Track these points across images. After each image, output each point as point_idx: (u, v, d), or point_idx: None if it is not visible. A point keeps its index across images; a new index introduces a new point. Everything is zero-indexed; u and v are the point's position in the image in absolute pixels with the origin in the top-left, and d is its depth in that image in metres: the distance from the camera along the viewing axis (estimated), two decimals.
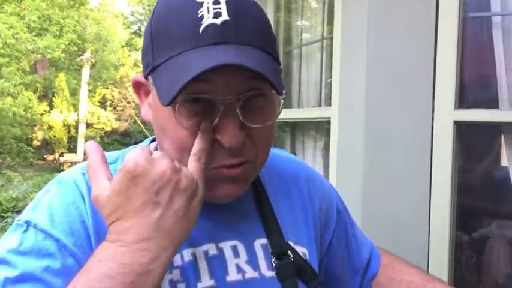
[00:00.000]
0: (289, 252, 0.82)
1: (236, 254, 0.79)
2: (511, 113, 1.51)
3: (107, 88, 21.43)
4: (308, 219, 0.92)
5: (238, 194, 0.76)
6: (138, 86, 0.78)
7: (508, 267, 1.75)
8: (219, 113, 0.67)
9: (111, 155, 0.81)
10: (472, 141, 1.68)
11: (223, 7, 0.67)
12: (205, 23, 0.66)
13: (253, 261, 0.80)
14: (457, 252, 1.60)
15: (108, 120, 20.38)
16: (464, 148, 1.59)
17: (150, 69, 0.71)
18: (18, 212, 9.52)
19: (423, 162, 1.54)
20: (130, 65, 21.77)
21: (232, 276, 0.77)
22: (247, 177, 0.75)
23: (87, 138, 19.83)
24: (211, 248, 0.77)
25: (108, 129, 20.46)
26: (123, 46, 21.92)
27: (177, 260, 0.74)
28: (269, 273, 0.80)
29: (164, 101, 0.65)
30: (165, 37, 0.69)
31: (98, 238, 0.69)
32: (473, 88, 1.60)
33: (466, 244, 1.74)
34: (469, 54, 1.54)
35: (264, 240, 0.82)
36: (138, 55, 22.04)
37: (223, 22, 0.66)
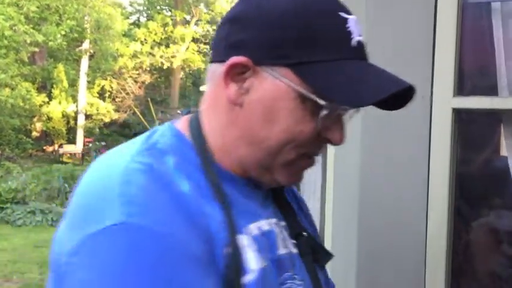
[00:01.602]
0: (304, 233, 0.89)
1: (279, 231, 0.85)
2: (510, 100, 1.49)
3: (106, 79, 21.38)
4: (301, 209, 1.00)
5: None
6: (235, 67, 0.76)
7: (507, 257, 1.74)
8: (333, 116, 0.76)
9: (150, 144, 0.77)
10: (471, 129, 1.66)
11: (359, 27, 0.78)
12: (355, 38, 0.77)
13: (285, 239, 0.86)
14: (455, 242, 1.59)
15: (107, 112, 20.35)
16: (463, 136, 1.58)
17: (293, 62, 0.74)
18: (17, 203, 9.52)
19: (421, 150, 1.53)
20: (129, 55, 21.70)
21: (281, 250, 0.83)
22: None
23: (87, 130, 19.82)
24: (265, 224, 0.83)
25: (107, 120, 20.44)
26: (123, 35, 21.84)
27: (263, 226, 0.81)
28: (295, 250, 0.86)
29: (341, 101, 0.73)
30: (319, 38, 0.74)
31: None
32: (472, 75, 1.58)
33: (465, 234, 1.73)
34: (468, 41, 1.52)
35: (283, 222, 0.88)
36: (137, 46, 21.96)
37: (363, 42, 0.80)
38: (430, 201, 1.54)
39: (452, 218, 1.56)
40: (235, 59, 0.75)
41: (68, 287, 0.65)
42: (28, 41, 16.30)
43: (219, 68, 0.78)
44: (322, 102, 0.73)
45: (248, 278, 0.73)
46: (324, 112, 0.74)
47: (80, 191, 0.72)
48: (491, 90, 1.53)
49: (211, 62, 0.82)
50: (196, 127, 0.81)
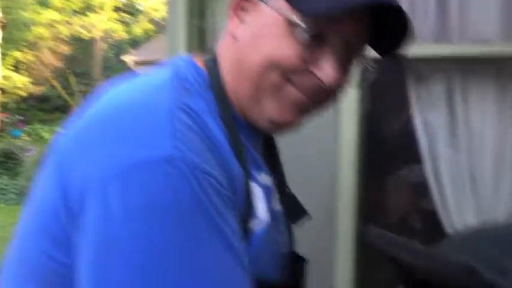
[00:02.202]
0: (288, 190, 0.92)
1: (273, 186, 0.86)
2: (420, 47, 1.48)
3: (21, 51, 20.22)
4: None
5: (296, 126, 0.82)
6: (240, 3, 0.79)
7: (408, 208, 1.78)
8: (326, 49, 0.74)
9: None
10: (379, 81, 1.65)
11: None
12: None
13: (275, 195, 0.87)
14: (362, 193, 1.60)
15: (23, 85, 19.27)
16: (371, 87, 1.57)
17: None
18: None
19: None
20: (45, 25, 20.58)
21: (275, 206, 0.85)
22: (311, 112, 0.82)
23: (1, 104, 18.73)
24: (265, 178, 0.83)
25: (23, 94, 19.37)
26: (39, 3, 20.63)
27: (265, 180, 0.82)
28: (280, 206, 0.88)
29: (317, 11, 0.71)
30: None
31: None
32: None
33: (372, 186, 1.75)
34: None
35: (272, 176, 0.87)
36: (52, 14, 20.86)
37: None
38: (340, 158, 1.54)
39: (361, 173, 1.56)
40: None
41: (108, 210, 0.64)
42: None
43: None
44: (303, 24, 0.73)
45: (257, 226, 0.76)
46: (304, 35, 0.73)
47: (116, 110, 0.71)
48: None
49: None
50: (214, 68, 0.82)
